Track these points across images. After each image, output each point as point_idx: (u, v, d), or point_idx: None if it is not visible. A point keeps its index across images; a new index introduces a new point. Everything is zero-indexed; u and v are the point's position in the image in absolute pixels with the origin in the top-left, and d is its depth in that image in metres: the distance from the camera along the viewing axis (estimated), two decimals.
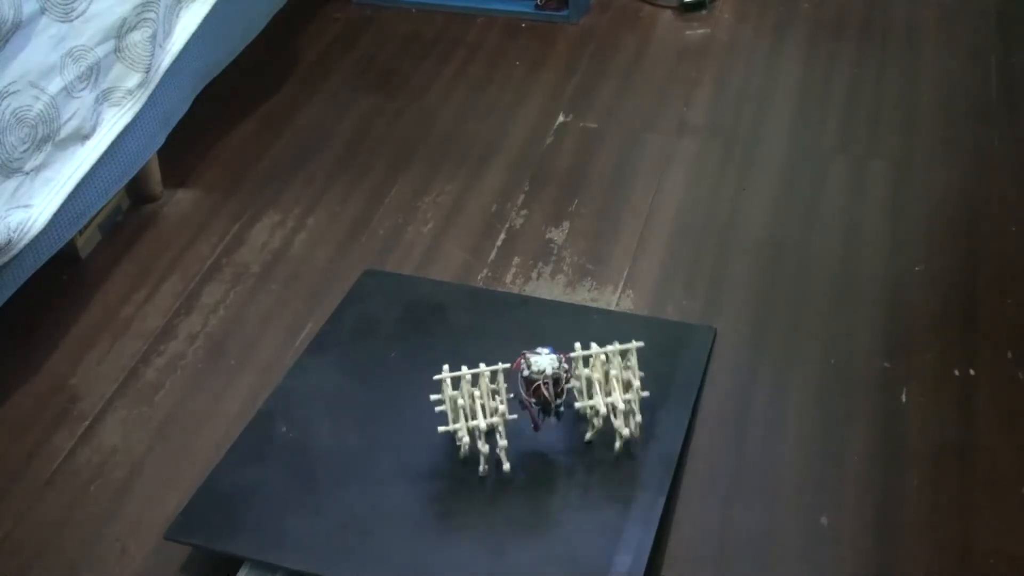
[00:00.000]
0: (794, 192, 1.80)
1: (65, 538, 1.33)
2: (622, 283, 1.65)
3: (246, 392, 1.51)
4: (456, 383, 1.33)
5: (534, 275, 1.67)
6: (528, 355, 1.29)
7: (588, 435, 1.35)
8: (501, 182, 1.87)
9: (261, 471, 1.34)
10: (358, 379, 1.47)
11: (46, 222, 1.50)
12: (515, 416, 1.32)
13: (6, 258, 1.44)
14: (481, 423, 1.29)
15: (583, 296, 1.63)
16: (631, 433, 1.32)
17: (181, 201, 1.87)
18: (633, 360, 1.34)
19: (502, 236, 1.75)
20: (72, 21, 1.53)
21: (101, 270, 1.73)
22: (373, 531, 1.26)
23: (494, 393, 1.33)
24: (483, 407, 1.30)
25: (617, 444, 1.32)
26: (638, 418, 1.32)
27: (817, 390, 1.45)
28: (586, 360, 1.36)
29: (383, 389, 1.45)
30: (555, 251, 1.71)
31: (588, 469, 1.32)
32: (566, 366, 1.29)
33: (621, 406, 1.30)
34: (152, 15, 1.65)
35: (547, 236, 1.74)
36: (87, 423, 1.48)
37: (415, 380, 1.46)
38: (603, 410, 1.32)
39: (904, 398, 1.43)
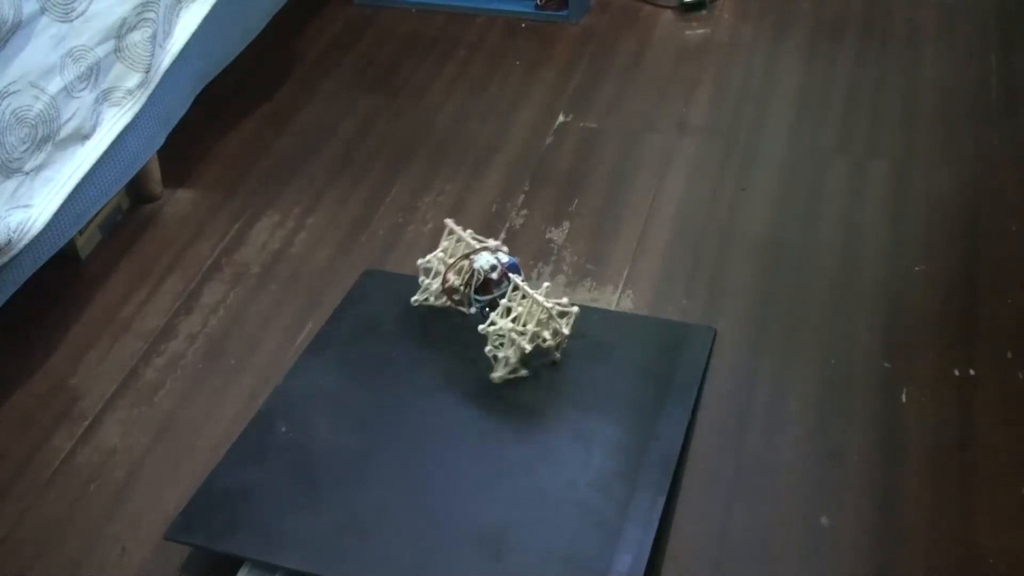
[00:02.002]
0: (794, 192, 1.80)
1: (65, 538, 1.33)
2: (622, 283, 1.65)
3: (246, 392, 1.51)
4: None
5: (534, 275, 1.67)
6: (481, 251, 1.43)
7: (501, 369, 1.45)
8: (501, 182, 1.87)
9: (261, 471, 1.34)
10: (358, 379, 1.47)
11: (46, 222, 1.50)
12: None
13: (6, 258, 1.44)
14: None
15: (583, 296, 1.63)
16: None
17: (181, 201, 1.87)
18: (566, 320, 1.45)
19: (502, 236, 1.75)
20: (72, 21, 1.53)
21: (101, 270, 1.73)
22: (373, 531, 1.26)
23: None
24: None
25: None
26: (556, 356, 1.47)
27: (817, 390, 1.45)
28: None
29: (383, 389, 1.45)
30: (555, 251, 1.71)
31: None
32: (501, 278, 1.42)
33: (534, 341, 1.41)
34: (152, 15, 1.65)
35: (547, 236, 1.74)
36: (87, 423, 1.48)
37: (415, 380, 1.46)
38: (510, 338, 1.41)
39: (904, 398, 1.43)
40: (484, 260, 1.44)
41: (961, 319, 1.54)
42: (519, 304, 1.41)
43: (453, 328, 1.54)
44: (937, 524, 1.28)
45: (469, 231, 1.51)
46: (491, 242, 1.48)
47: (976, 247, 1.66)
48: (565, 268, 1.68)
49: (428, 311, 1.57)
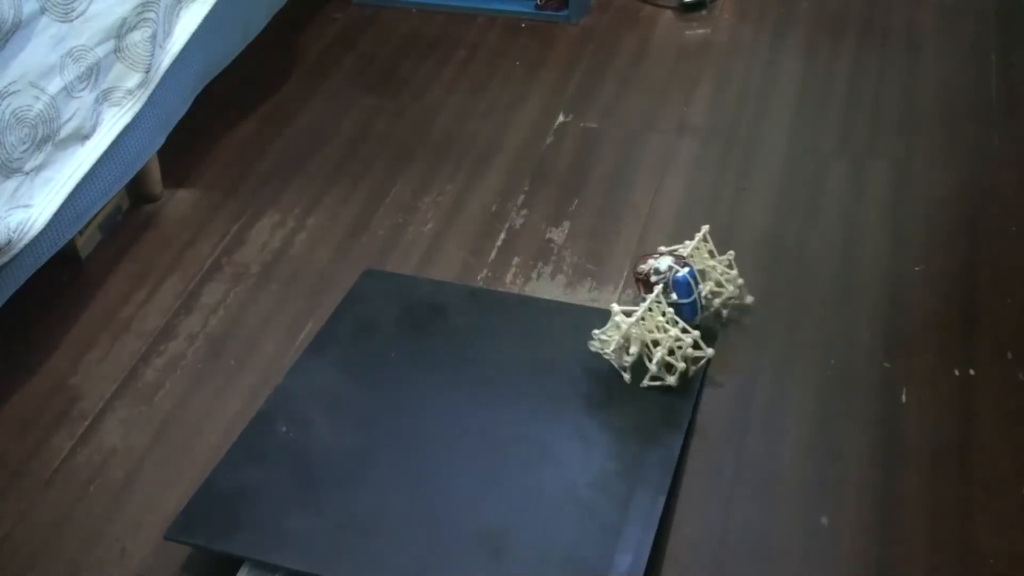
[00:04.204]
0: (794, 192, 1.80)
1: (65, 538, 1.33)
2: (622, 283, 1.65)
3: (246, 392, 1.51)
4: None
5: (534, 275, 1.67)
6: (669, 255, 1.49)
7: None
8: (501, 182, 1.87)
9: (261, 471, 1.34)
10: (358, 379, 1.47)
11: (46, 222, 1.50)
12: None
13: (6, 258, 1.44)
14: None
15: (583, 296, 1.63)
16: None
17: (181, 201, 1.87)
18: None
19: (502, 236, 1.75)
20: (72, 21, 1.53)
21: (101, 270, 1.73)
22: (373, 531, 1.26)
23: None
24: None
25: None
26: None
27: (817, 390, 1.45)
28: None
29: (383, 389, 1.45)
30: (555, 251, 1.71)
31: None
32: (658, 284, 1.46)
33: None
34: (152, 15, 1.65)
35: (547, 236, 1.74)
36: (87, 423, 1.48)
37: (415, 380, 1.46)
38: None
39: (904, 398, 1.43)
40: (661, 263, 1.47)
41: (961, 319, 1.54)
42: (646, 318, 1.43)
43: (453, 328, 1.55)
44: (937, 524, 1.28)
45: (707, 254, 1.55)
46: (689, 251, 1.51)
47: (976, 247, 1.66)
48: (565, 268, 1.68)
49: (429, 311, 1.57)
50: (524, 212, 1.80)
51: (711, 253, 1.55)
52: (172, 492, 1.38)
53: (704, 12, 2.31)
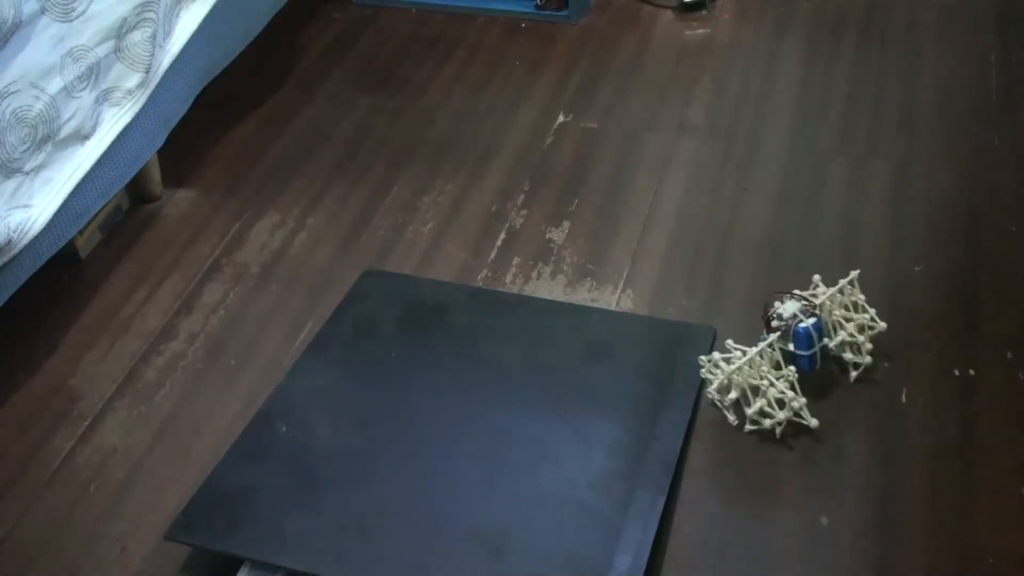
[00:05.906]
0: (794, 192, 1.80)
1: (65, 538, 1.33)
2: (622, 283, 1.65)
3: (246, 392, 1.51)
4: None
5: (534, 275, 1.67)
6: (797, 301, 1.42)
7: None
8: (501, 182, 1.87)
9: (261, 471, 1.34)
10: (358, 379, 1.47)
11: (46, 222, 1.50)
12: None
13: (6, 258, 1.44)
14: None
15: (583, 296, 1.63)
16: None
17: (181, 201, 1.87)
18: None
19: (502, 236, 1.75)
20: (72, 21, 1.53)
21: (101, 270, 1.73)
22: (373, 531, 1.26)
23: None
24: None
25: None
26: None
27: (817, 389, 1.45)
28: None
29: (383, 389, 1.45)
30: (555, 251, 1.71)
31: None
32: (778, 331, 1.41)
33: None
34: (152, 15, 1.65)
35: (547, 236, 1.74)
36: (87, 423, 1.48)
37: (415, 380, 1.46)
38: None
39: (904, 398, 1.43)
40: (787, 308, 1.41)
41: (961, 319, 1.54)
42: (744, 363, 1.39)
43: (453, 328, 1.55)
44: (937, 524, 1.28)
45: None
46: (823, 299, 1.43)
47: (976, 247, 1.66)
48: (565, 268, 1.68)
49: (429, 311, 1.57)
50: (524, 212, 1.80)
51: (854, 305, 1.45)
52: (172, 492, 1.38)
53: (704, 12, 2.31)
